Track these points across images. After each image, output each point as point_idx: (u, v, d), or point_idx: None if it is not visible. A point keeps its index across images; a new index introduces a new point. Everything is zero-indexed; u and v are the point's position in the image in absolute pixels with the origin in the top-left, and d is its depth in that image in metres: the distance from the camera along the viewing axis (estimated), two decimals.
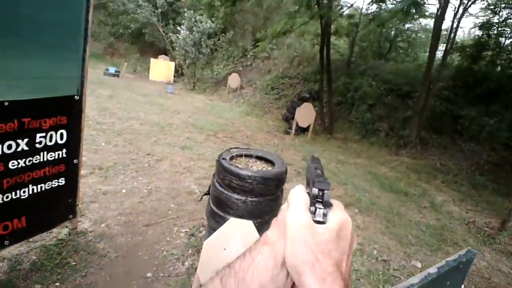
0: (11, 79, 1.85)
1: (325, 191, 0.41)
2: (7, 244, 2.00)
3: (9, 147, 1.87)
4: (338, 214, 0.41)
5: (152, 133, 5.69)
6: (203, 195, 2.91)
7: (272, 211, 2.55)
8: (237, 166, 2.39)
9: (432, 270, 0.98)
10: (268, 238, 0.44)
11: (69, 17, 2.04)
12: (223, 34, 13.98)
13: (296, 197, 0.43)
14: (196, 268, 2.18)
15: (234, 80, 12.01)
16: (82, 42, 2.14)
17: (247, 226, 2.20)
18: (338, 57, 11.46)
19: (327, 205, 0.41)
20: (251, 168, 2.56)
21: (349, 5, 9.60)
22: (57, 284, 2.11)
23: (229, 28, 14.67)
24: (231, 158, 2.61)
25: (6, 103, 1.79)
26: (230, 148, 2.83)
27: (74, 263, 2.28)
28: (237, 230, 2.19)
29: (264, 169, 2.68)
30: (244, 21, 15.08)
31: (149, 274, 2.34)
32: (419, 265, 3.09)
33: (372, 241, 3.33)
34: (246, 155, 2.80)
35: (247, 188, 2.29)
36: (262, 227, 2.46)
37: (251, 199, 2.34)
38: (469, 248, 1.19)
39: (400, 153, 7.47)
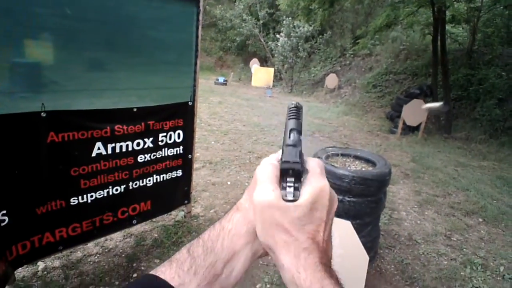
0: (140, 90, 2.31)
1: (295, 168, 0.36)
2: (135, 223, 2.44)
3: (138, 144, 2.30)
4: (312, 185, 0.36)
5: (253, 133, 6.14)
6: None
7: (373, 213, 2.43)
8: (333, 165, 2.37)
9: None
10: (240, 205, 0.42)
11: (184, 37, 2.43)
12: (320, 36, 13.88)
13: (264, 173, 0.38)
14: None
15: (331, 80, 11.75)
16: (194, 57, 2.51)
17: (346, 226, 2.15)
18: (456, 46, 9.83)
19: (300, 177, 0.36)
20: (348, 168, 2.51)
21: None
22: None
23: (327, 29, 14.45)
24: (327, 157, 2.59)
25: (135, 109, 2.24)
26: (326, 147, 2.81)
27: (187, 243, 2.68)
28: (334, 229, 2.18)
29: (363, 169, 2.58)
30: (343, 20, 14.60)
31: None
32: None
33: (498, 256, 2.77)
34: (343, 154, 2.74)
35: (344, 188, 2.25)
36: (362, 229, 2.38)
37: (349, 199, 2.29)
38: None
39: None
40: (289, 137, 0.39)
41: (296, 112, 0.44)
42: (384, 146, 6.12)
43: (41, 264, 2.26)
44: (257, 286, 2.23)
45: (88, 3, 1.86)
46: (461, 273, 2.50)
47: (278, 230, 0.35)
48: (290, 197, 0.35)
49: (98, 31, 1.95)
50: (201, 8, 2.42)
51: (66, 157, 1.98)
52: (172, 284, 0.36)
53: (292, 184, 0.36)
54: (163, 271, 0.38)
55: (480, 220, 3.44)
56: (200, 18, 2.42)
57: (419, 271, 2.48)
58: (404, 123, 7.07)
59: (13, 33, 1.63)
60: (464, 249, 2.84)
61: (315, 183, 0.36)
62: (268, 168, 0.38)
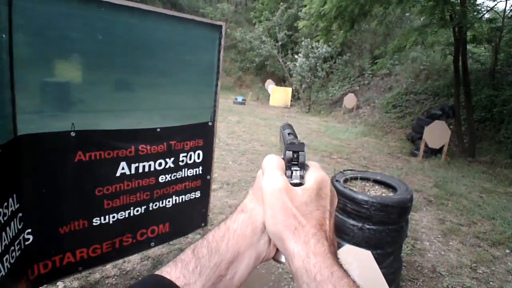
0: (163, 110, 2.36)
1: (300, 153, 0.40)
2: (152, 245, 2.44)
3: (160, 164, 2.32)
4: (315, 173, 0.39)
5: (270, 153, 6.13)
6: None
7: (396, 242, 2.33)
8: (351, 189, 2.31)
9: None
10: (245, 206, 0.43)
11: (206, 60, 2.51)
12: (339, 57, 13.98)
13: (270, 162, 0.41)
14: None
15: (350, 100, 11.70)
16: (215, 79, 2.58)
17: (366, 256, 2.07)
18: (479, 66, 9.62)
19: (303, 167, 0.40)
20: (368, 193, 2.45)
21: (488, 8, 8.03)
22: None
23: (346, 50, 14.55)
24: (345, 180, 2.54)
25: (158, 129, 2.27)
26: (344, 170, 2.76)
27: None
28: (353, 259, 2.10)
29: (383, 194, 2.51)
30: (362, 40, 14.67)
31: None
32: None
33: None
34: (362, 178, 2.68)
35: (363, 214, 2.18)
36: (383, 260, 2.29)
37: (368, 226, 2.21)
38: None
39: None
40: (290, 136, 0.45)
41: (289, 126, 0.51)
42: (405, 170, 5.95)
43: (60, 284, 2.31)
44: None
45: (119, 30, 1.96)
46: None
47: (287, 215, 0.36)
48: (296, 181, 0.38)
49: (125, 54, 2.04)
50: (223, 33, 2.52)
51: (92, 176, 2.00)
52: (178, 284, 0.37)
53: (297, 169, 0.39)
54: (168, 271, 0.39)
55: (508, 251, 3.23)
56: (223, 42, 2.51)
57: None
58: (426, 145, 6.87)
59: (45, 54, 1.70)
60: (491, 282, 2.66)
61: (318, 172, 0.40)
62: (273, 158, 0.42)
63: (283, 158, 0.42)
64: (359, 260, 2.06)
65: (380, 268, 1.96)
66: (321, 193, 0.38)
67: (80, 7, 1.77)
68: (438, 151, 6.98)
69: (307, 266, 0.33)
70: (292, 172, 0.39)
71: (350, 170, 2.84)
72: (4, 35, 1.52)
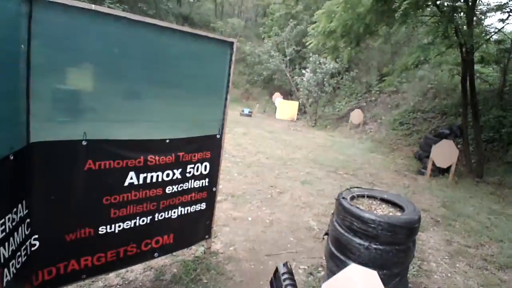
0: (172, 121, 2.39)
1: None
2: (156, 256, 2.44)
3: (168, 175, 2.34)
4: None
5: (275, 167, 6.15)
6: (324, 235, 2.82)
7: (402, 263, 2.29)
8: (358, 207, 2.29)
9: None
10: None
11: (217, 73, 2.57)
12: (346, 73, 14.09)
13: None
14: None
15: (356, 116, 11.71)
16: (225, 92, 2.63)
17: (371, 276, 2.03)
18: (487, 87, 9.61)
19: None
20: (375, 211, 2.42)
21: (496, 29, 8.07)
22: None
23: (353, 67, 14.68)
24: (352, 198, 2.52)
25: (168, 140, 2.30)
26: (351, 187, 2.74)
27: (205, 281, 2.58)
28: (359, 278, 2.05)
29: (391, 213, 2.48)
30: (369, 58, 14.81)
31: None
32: None
33: None
34: (369, 196, 2.66)
35: (370, 233, 2.16)
36: (389, 281, 2.24)
37: (375, 246, 2.18)
38: None
39: None
40: None
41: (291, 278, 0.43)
42: (412, 188, 5.88)
43: None
44: None
45: (134, 44, 2.02)
46: None
47: None
48: None
49: (139, 67, 2.10)
50: (234, 49, 2.58)
51: (100, 185, 2.03)
52: None
53: None
54: None
55: None
56: (233, 58, 2.56)
57: None
58: (433, 164, 6.82)
59: (60, 63, 1.75)
60: None
61: None
62: None
63: None
64: (365, 280, 2.03)
65: None
66: None
67: (97, 20, 1.83)
68: (446, 171, 6.91)
69: None
70: None
71: (357, 187, 2.83)
72: (23, 46, 1.58)
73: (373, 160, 8.16)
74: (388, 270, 2.20)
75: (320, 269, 2.94)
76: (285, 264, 0.43)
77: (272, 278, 0.44)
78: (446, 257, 3.36)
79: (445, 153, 6.67)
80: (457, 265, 3.23)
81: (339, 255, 2.34)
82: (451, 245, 3.65)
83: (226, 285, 2.59)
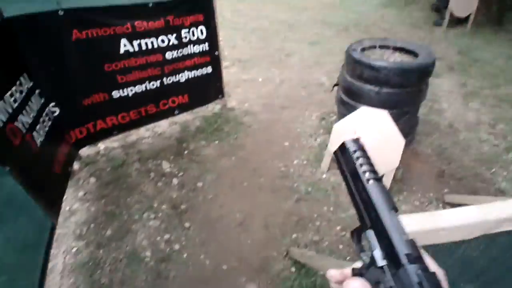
0: None
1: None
2: (176, 113, 2.68)
3: (163, 41, 2.34)
4: None
5: (280, 31, 5.69)
6: (334, 86, 2.79)
7: (412, 103, 2.33)
8: (368, 56, 2.20)
9: None
10: None
11: None
12: None
13: None
14: (327, 145, 2.33)
15: None
16: None
17: (382, 115, 2.08)
18: None
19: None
20: (386, 59, 2.30)
21: None
22: (216, 142, 2.69)
23: None
24: (363, 49, 2.39)
25: (150, 4, 2.19)
26: (361, 39, 2.56)
27: (227, 130, 2.81)
28: (370, 118, 2.12)
29: (404, 60, 2.35)
30: None
31: (286, 143, 2.66)
32: None
33: None
34: (381, 46, 2.49)
35: (381, 79, 2.12)
36: (399, 117, 2.30)
37: (386, 90, 2.17)
38: None
39: None
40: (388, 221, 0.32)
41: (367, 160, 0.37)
42: (428, 40, 5.52)
43: (101, 145, 2.56)
44: (294, 162, 2.38)
45: None
46: (503, 157, 2.47)
47: None
48: None
49: None
50: None
51: (95, 53, 2.11)
52: None
53: None
54: None
55: None
56: None
57: (458, 154, 2.49)
58: (451, 15, 6.20)
59: None
60: (509, 138, 2.74)
61: None
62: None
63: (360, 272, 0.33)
64: (376, 119, 2.09)
65: (397, 125, 2.00)
66: None
67: None
68: (464, 20, 6.35)
69: None
70: None
71: (369, 38, 2.62)
72: None
73: (387, 15, 7.42)
74: (398, 109, 2.24)
75: (331, 114, 3.04)
76: (355, 141, 0.32)
77: (337, 150, 0.34)
78: (459, 98, 3.39)
79: (464, 1, 6.01)
80: (470, 104, 3.28)
81: (349, 101, 2.38)
82: (465, 87, 3.63)
83: (246, 131, 2.81)
